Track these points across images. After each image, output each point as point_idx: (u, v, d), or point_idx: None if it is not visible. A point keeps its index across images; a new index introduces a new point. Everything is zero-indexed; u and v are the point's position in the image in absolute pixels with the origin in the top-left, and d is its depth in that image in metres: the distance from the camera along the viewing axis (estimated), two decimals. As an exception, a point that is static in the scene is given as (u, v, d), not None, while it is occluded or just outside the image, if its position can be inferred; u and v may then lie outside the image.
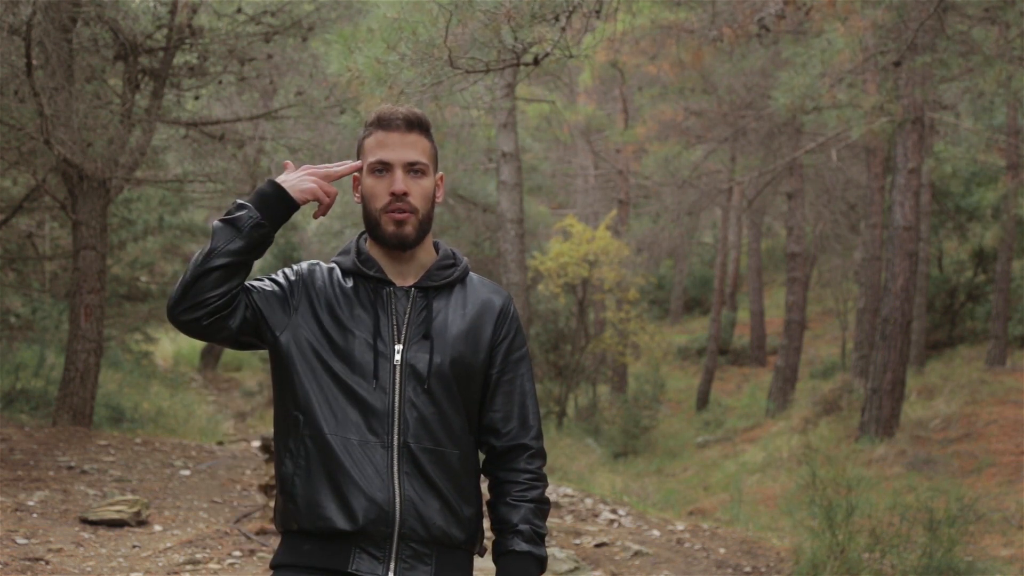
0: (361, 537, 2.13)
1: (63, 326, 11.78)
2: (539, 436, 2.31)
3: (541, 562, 2.23)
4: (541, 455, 2.31)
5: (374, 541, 2.13)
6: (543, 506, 2.27)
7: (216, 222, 2.19)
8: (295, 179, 2.23)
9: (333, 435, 2.15)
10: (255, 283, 2.25)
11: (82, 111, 8.40)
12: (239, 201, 2.20)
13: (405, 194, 2.21)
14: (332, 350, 2.19)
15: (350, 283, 2.26)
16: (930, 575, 6.48)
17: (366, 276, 2.26)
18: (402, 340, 2.21)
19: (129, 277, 15.47)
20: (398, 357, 2.19)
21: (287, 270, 2.29)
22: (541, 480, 2.29)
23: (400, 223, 2.21)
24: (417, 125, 2.26)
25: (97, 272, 9.41)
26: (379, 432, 2.15)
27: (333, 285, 2.25)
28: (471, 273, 2.36)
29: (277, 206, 2.20)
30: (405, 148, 2.23)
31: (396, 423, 2.16)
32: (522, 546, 2.20)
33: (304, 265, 2.30)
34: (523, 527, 2.21)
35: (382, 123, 2.25)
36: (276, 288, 2.25)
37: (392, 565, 2.13)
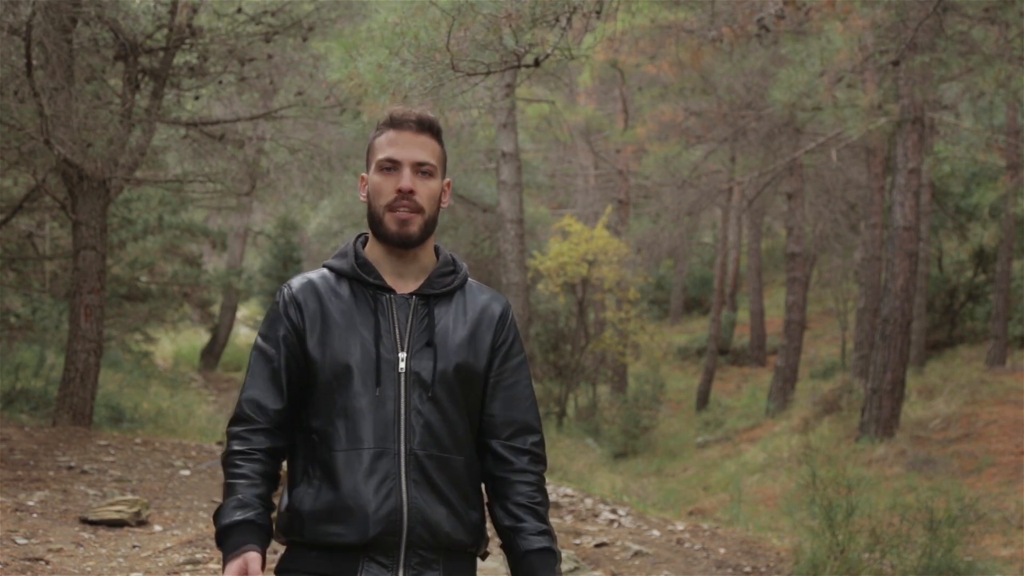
0: (369, 547, 2.13)
1: (63, 326, 11.77)
2: (541, 443, 2.32)
3: (559, 559, 2.27)
4: (543, 460, 2.32)
5: (382, 550, 2.13)
6: (548, 509, 2.31)
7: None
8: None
9: (343, 451, 2.15)
10: (275, 358, 2.23)
11: (82, 111, 8.41)
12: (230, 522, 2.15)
13: (412, 192, 2.20)
14: (335, 363, 2.18)
15: (346, 289, 2.25)
16: (930, 575, 6.48)
17: (364, 282, 2.25)
18: (405, 348, 2.20)
19: (129, 277, 15.47)
20: (402, 365, 2.19)
21: (282, 314, 2.25)
22: (543, 482, 2.31)
23: (404, 222, 2.20)
24: (429, 128, 2.26)
25: (97, 272, 9.40)
26: (386, 441, 2.15)
27: (328, 296, 2.24)
28: (469, 279, 2.35)
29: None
30: (415, 148, 2.23)
31: (402, 431, 2.16)
32: (547, 543, 2.23)
33: (291, 289, 2.27)
34: (544, 526, 2.25)
35: (394, 123, 2.26)
36: (289, 344, 2.24)
37: (400, 573, 2.13)
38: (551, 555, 2.23)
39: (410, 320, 2.23)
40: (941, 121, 14.27)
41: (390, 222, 2.21)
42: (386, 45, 4.90)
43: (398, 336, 2.21)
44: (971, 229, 19.74)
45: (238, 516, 2.13)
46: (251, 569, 2.08)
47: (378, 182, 2.24)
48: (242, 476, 2.18)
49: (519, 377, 2.31)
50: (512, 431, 2.28)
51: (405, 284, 2.27)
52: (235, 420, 2.25)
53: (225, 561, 2.11)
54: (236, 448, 2.21)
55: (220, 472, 8.59)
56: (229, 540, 2.12)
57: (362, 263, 2.26)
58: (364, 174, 2.31)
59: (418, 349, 2.20)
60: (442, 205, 2.30)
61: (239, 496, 2.15)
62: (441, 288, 2.27)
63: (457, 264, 2.34)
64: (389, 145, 2.24)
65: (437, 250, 2.34)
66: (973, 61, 9.63)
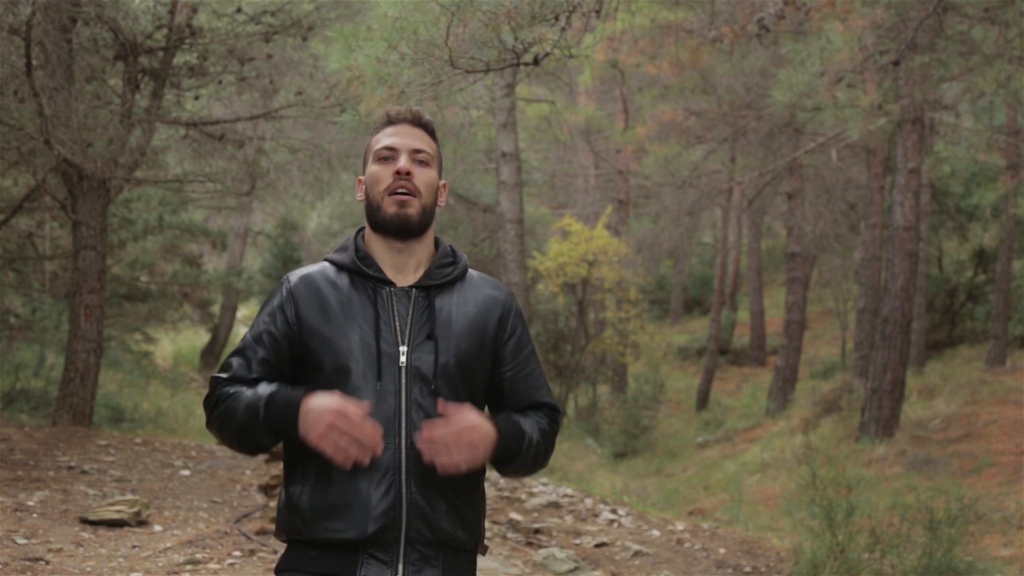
0: (369, 544, 2.12)
1: (63, 326, 11.77)
2: (555, 410, 2.34)
3: (527, 438, 2.21)
4: (556, 409, 2.33)
5: (381, 546, 2.12)
6: (547, 438, 2.27)
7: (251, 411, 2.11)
8: (319, 426, 2.03)
9: None
10: (253, 350, 2.21)
11: (82, 111, 8.41)
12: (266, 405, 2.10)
13: (409, 173, 2.22)
14: (335, 357, 2.18)
15: (346, 282, 2.24)
16: (930, 575, 6.48)
17: (364, 275, 2.24)
18: (406, 341, 2.20)
19: (129, 277, 15.47)
20: (403, 359, 2.18)
21: (277, 309, 2.23)
22: (555, 421, 2.30)
23: (403, 203, 2.20)
24: (424, 124, 2.30)
25: (97, 272, 9.41)
26: (387, 436, 2.14)
27: (327, 290, 2.23)
28: (470, 270, 2.35)
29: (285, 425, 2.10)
30: (411, 138, 2.27)
31: (403, 425, 2.15)
32: (520, 421, 2.21)
33: (289, 283, 2.26)
34: (529, 421, 2.23)
35: (391, 119, 2.30)
36: (277, 341, 2.22)
37: (400, 569, 2.13)
38: (515, 425, 2.19)
39: (411, 313, 2.22)
40: (941, 121, 14.27)
41: (388, 205, 2.21)
42: (385, 39, 4.89)
43: (398, 329, 2.20)
44: (971, 229, 19.73)
45: (273, 387, 2.11)
46: (350, 410, 2.03)
47: (376, 170, 2.25)
48: (246, 388, 2.14)
49: (531, 367, 2.32)
50: (531, 405, 2.31)
51: (405, 277, 2.27)
52: (217, 383, 2.21)
53: (298, 403, 2.05)
54: (229, 391, 2.16)
55: (220, 472, 8.60)
56: (283, 396, 2.08)
57: (362, 256, 2.26)
58: (361, 176, 2.32)
59: (419, 342, 2.20)
60: (439, 204, 2.31)
61: (256, 389, 2.12)
62: (441, 279, 2.27)
63: (457, 255, 2.34)
64: (386, 137, 2.27)
65: (437, 242, 2.35)
66: (973, 61, 9.62)
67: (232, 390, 2.16)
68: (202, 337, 24.22)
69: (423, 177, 2.25)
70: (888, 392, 13.04)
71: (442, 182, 2.33)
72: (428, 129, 2.30)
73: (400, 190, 2.21)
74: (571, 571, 6.38)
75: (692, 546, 7.81)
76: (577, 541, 7.49)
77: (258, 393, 2.11)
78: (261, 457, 9.08)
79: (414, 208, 2.22)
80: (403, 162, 2.22)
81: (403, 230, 2.23)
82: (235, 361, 2.22)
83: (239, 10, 9.21)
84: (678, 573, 6.96)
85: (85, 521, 6.26)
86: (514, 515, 8.02)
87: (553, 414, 2.32)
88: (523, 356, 2.30)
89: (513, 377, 2.28)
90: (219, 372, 2.24)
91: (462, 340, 2.22)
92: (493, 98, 12.22)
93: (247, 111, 10.89)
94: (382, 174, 2.24)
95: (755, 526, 9.37)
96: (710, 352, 21.53)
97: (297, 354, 2.21)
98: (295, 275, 2.28)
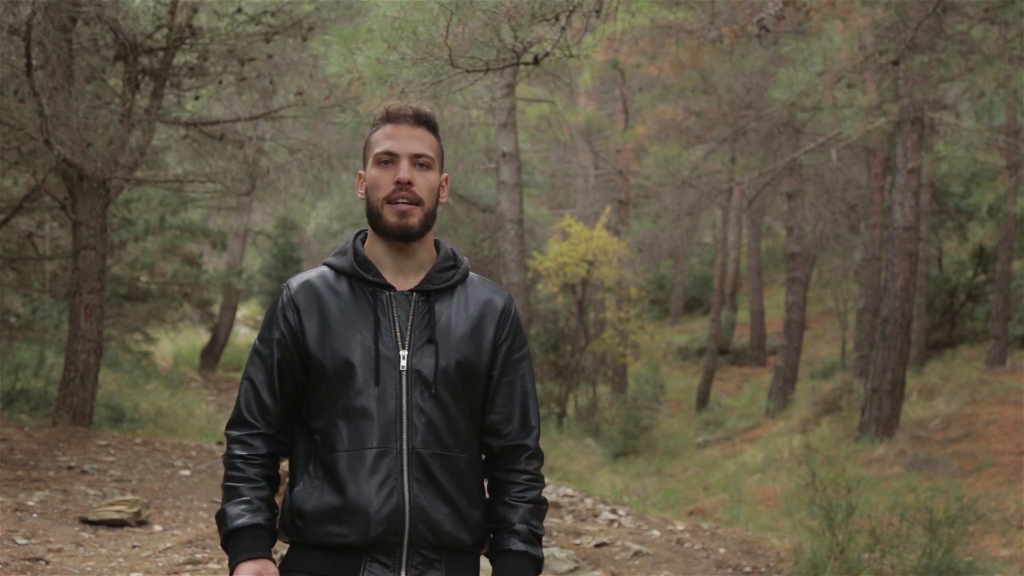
0: (371, 547, 2.12)
1: (63, 326, 11.77)
2: (538, 437, 2.32)
3: (537, 562, 2.22)
4: (539, 456, 2.30)
5: (384, 550, 2.12)
6: (541, 507, 2.26)
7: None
8: None
9: (345, 451, 2.14)
10: (269, 361, 2.24)
11: (82, 111, 8.40)
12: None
13: (410, 183, 2.19)
14: (336, 362, 2.17)
15: (345, 287, 2.23)
16: (930, 575, 6.48)
17: (364, 280, 2.24)
18: (406, 345, 2.19)
19: (129, 277, 15.47)
20: (404, 363, 2.18)
21: (280, 317, 2.24)
22: (539, 481, 2.28)
23: (403, 214, 2.19)
24: (425, 121, 2.26)
25: (97, 272, 9.40)
26: (388, 440, 2.14)
27: (327, 295, 2.23)
28: (471, 274, 2.34)
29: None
30: (412, 140, 2.23)
31: (404, 429, 2.15)
32: (519, 545, 2.19)
33: (289, 290, 2.26)
34: (520, 527, 2.21)
35: (391, 117, 2.25)
36: (286, 350, 2.23)
37: (403, 573, 2.13)
38: (527, 560, 2.20)
39: (411, 317, 2.21)
40: (941, 121, 14.26)
41: (389, 214, 2.20)
42: (384, 39, 4.89)
43: (399, 333, 2.20)
44: (971, 229, 19.73)
45: (247, 520, 2.13)
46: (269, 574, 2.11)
47: (376, 175, 2.23)
48: (246, 479, 2.18)
49: (520, 373, 2.30)
50: (511, 428, 2.27)
51: (405, 280, 2.26)
52: (234, 423, 2.24)
53: (236, 562, 2.11)
54: (238, 453, 2.20)
55: (220, 472, 8.59)
56: (240, 543, 2.12)
57: (361, 260, 2.25)
58: (361, 171, 2.30)
59: (419, 346, 2.19)
60: (441, 200, 2.30)
61: (246, 498, 2.15)
62: (442, 283, 2.26)
63: (458, 258, 2.32)
64: (386, 139, 2.23)
65: (437, 245, 2.33)
66: (973, 61, 9.62)
67: (240, 453, 2.21)
68: (202, 337, 24.23)
69: (424, 182, 2.22)
70: (888, 392, 13.03)
71: (444, 176, 2.31)
72: (429, 125, 2.27)
73: (401, 200, 2.19)
74: (571, 571, 6.38)
75: (692, 546, 7.80)
76: (577, 541, 7.49)
77: (244, 505, 2.17)
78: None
79: (416, 217, 2.21)
80: (403, 172, 2.20)
81: (405, 237, 2.22)
82: (244, 385, 2.25)
83: (239, 10, 9.20)
84: (678, 573, 6.96)
85: (85, 521, 6.26)
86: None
87: (535, 461, 2.29)
88: (513, 360, 2.28)
89: (499, 381, 2.27)
90: (238, 404, 2.25)
91: (462, 344, 2.21)
92: (493, 98, 12.23)
93: (247, 111, 10.87)
94: (382, 180, 2.22)
95: (755, 526, 9.37)
96: (710, 352, 21.52)
97: (302, 358, 2.22)
98: (295, 281, 2.28)
